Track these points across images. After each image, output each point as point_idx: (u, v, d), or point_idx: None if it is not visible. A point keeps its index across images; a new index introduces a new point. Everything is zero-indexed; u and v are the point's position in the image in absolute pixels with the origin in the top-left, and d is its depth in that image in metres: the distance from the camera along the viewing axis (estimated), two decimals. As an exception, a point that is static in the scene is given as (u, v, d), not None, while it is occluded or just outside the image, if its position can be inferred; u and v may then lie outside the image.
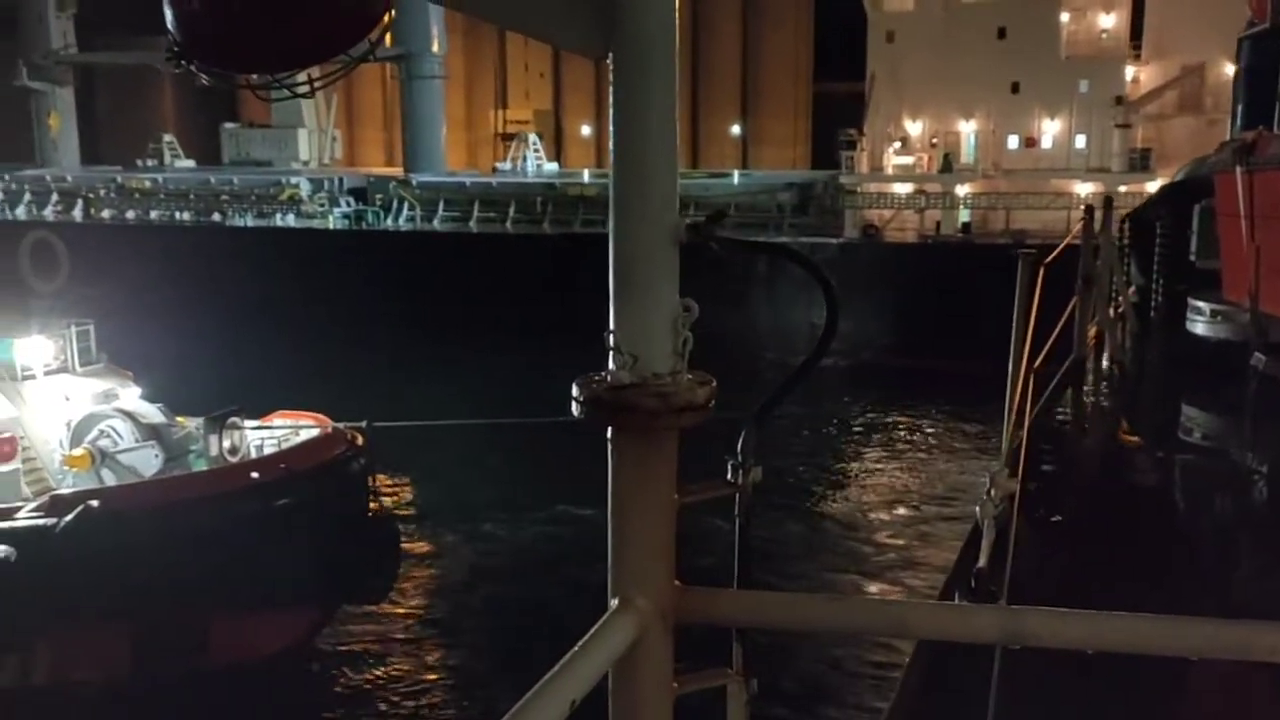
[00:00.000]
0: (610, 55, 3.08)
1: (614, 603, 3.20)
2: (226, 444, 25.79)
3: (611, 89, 3.09)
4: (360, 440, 26.05)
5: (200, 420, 26.29)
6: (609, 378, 3.16)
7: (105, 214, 67.25)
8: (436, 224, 63.68)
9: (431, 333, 53.02)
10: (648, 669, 3.25)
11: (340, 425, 26.48)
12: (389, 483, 36.93)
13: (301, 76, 3.91)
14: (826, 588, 30.15)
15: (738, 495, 3.54)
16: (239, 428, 26.17)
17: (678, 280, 3.16)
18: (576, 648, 2.95)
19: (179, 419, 27.26)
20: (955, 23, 59.41)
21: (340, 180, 67.92)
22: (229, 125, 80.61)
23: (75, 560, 22.35)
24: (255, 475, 24.50)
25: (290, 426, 26.71)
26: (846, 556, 34.38)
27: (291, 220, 65.03)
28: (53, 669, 23.94)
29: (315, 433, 26.36)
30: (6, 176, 69.57)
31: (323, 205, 65.56)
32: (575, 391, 3.17)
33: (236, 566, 23.75)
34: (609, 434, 3.21)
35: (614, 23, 3.03)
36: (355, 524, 25.47)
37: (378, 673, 27.02)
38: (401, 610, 29.93)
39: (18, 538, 22.65)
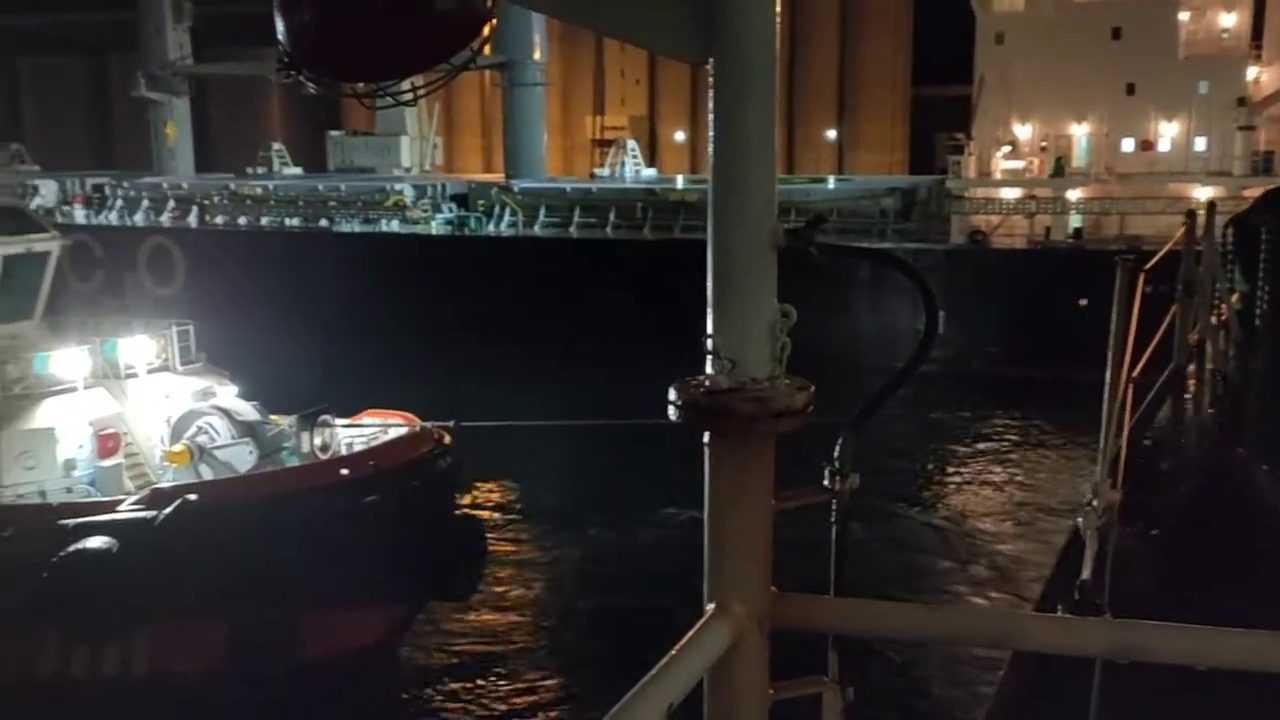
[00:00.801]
0: (711, 61, 3.12)
1: (710, 608, 3.20)
2: (318, 441, 26.36)
3: (711, 95, 3.13)
4: (448, 439, 26.43)
5: (293, 418, 26.94)
6: (707, 382, 3.19)
7: (218, 220, 69.29)
8: (537, 229, 64.28)
9: (530, 336, 53.51)
10: (744, 675, 3.25)
11: (428, 424, 26.86)
12: (477, 482, 37.37)
13: (405, 84, 3.99)
14: (923, 595, 29.73)
15: (835, 502, 3.53)
16: (330, 426, 26.74)
17: (776, 285, 3.18)
18: (673, 652, 2.96)
19: (273, 417, 27.99)
20: (1067, 23, 58.03)
21: (443, 186, 68.98)
22: (334, 133, 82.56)
23: (174, 552, 23.04)
24: (345, 472, 25.02)
25: (380, 425, 27.21)
26: (943, 564, 33.82)
27: (396, 226, 66.17)
28: (152, 660, 24.65)
29: (404, 431, 26.78)
30: (126, 184, 72.19)
31: (426, 211, 66.57)
32: (673, 396, 3.20)
33: (326, 561, 24.20)
34: (706, 439, 3.22)
35: (715, 30, 3.06)
36: (442, 522, 25.86)
37: (465, 672, 27.34)
38: (489, 610, 30.23)
39: (120, 530, 23.44)
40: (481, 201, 66.85)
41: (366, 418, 27.72)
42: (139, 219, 70.55)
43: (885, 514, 35.58)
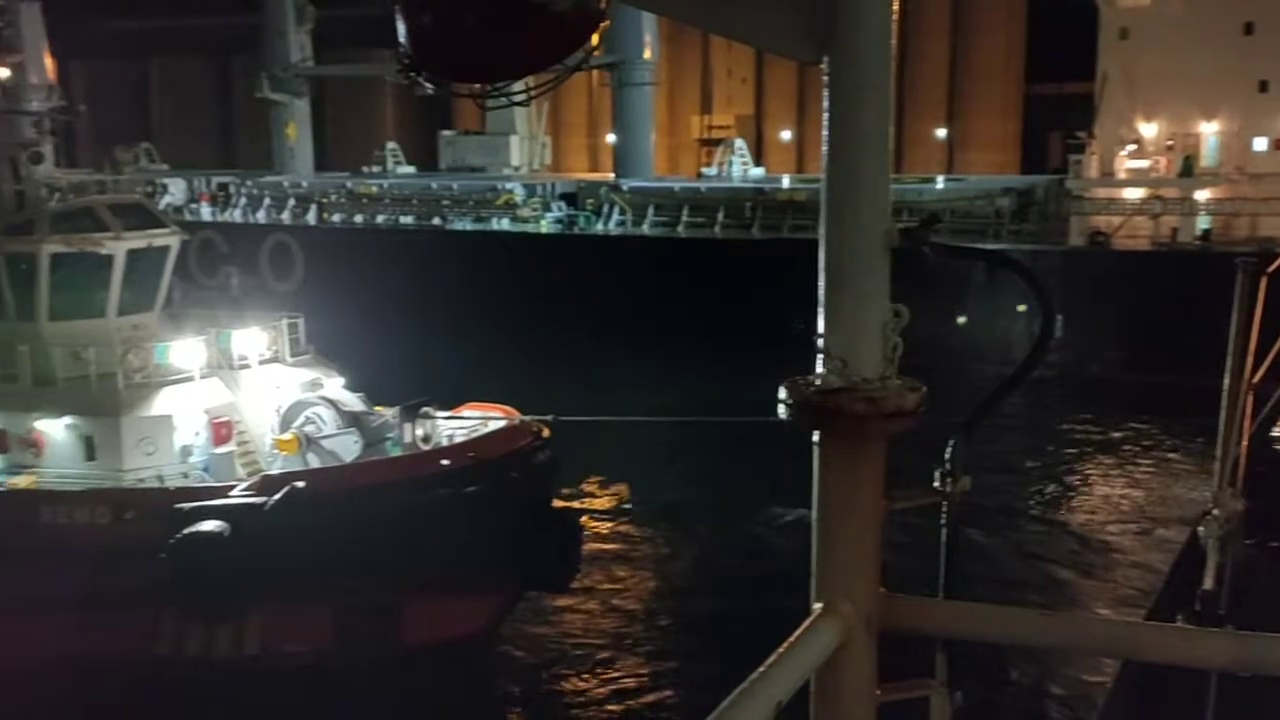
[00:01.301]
0: (825, 61, 3.14)
1: (817, 607, 3.22)
2: (420, 432, 26.98)
3: (826, 94, 3.16)
4: (547, 433, 26.71)
5: (396, 409, 27.56)
6: (817, 381, 3.22)
7: (336, 218, 70.99)
8: (646, 228, 64.40)
9: (636, 333, 53.63)
10: (851, 675, 3.26)
11: (527, 418, 27.13)
12: (576, 476, 37.60)
13: (519, 85, 4.04)
14: (1033, 601, 29.00)
15: (945, 504, 3.52)
16: (431, 417, 27.32)
17: (889, 285, 3.20)
18: (780, 650, 2.98)
19: (377, 408, 28.62)
20: (1196, 18, 55.94)
21: (553, 186, 69.69)
22: (446, 133, 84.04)
23: (282, 538, 23.79)
24: (445, 463, 25.58)
25: (480, 418, 27.68)
26: (1056, 570, 33.06)
27: (506, 224, 66.96)
28: (263, 640, 25.49)
29: (503, 424, 27.17)
30: (250, 182, 74.48)
31: (536, 210, 67.25)
32: (783, 394, 3.23)
33: (427, 550, 24.77)
34: (815, 438, 3.25)
35: (830, 29, 3.09)
36: (540, 514, 26.19)
37: (563, 664, 27.55)
38: (587, 603, 30.42)
39: (231, 514, 24.27)
40: (590, 200, 67.31)
41: (467, 410, 28.20)
42: (261, 216, 72.70)
43: (997, 518, 34.85)
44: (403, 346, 52.48)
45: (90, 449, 27.27)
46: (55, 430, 27.52)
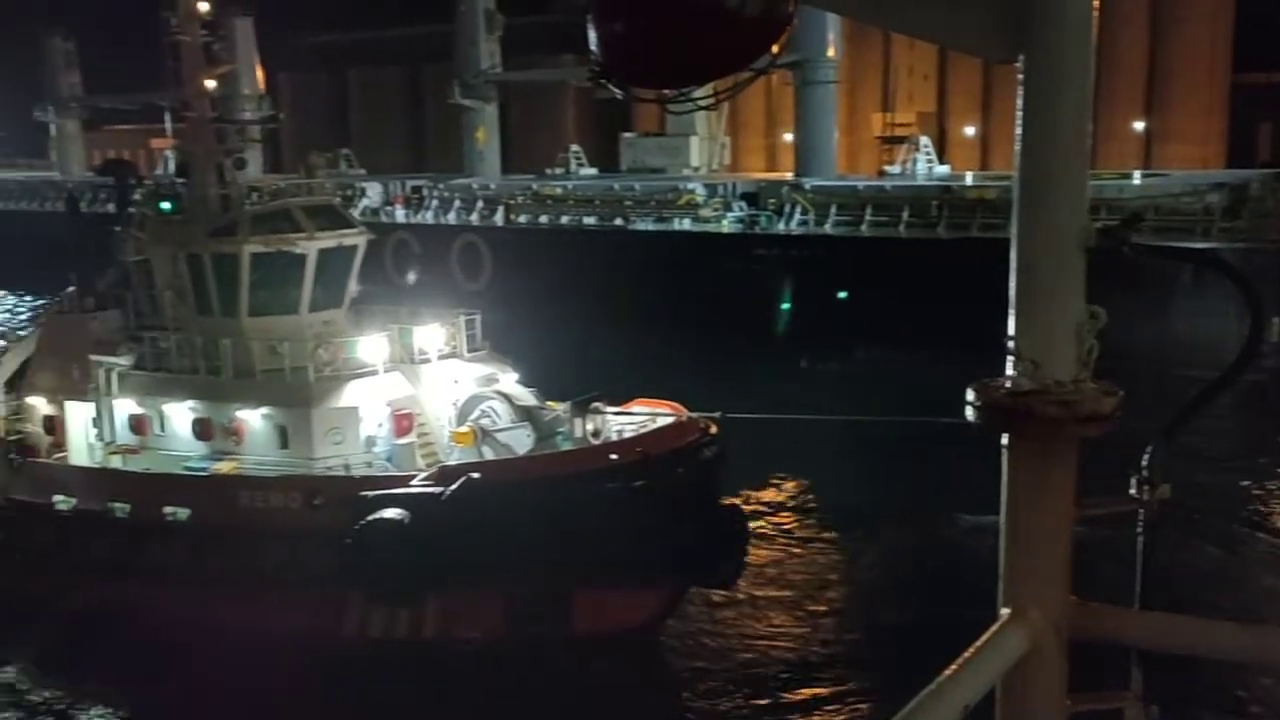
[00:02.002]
0: (1021, 58, 3.14)
1: (1005, 612, 3.21)
2: (590, 427, 27.48)
3: (1021, 91, 3.15)
4: (714, 429, 26.74)
5: (568, 405, 28.09)
6: (1008, 383, 3.19)
7: (522, 219, 72.77)
8: (828, 228, 63.59)
9: (817, 333, 53.10)
10: (1039, 683, 3.24)
11: (695, 414, 27.28)
12: (747, 473, 37.47)
13: (704, 88, 4.21)
14: (1231, 614, 27.38)
15: (1142, 512, 3.46)
16: (601, 413, 27.73)
17: (1084, 286, 3.17)
18: (967, 654, 2.99)
19: (549, 403, 29.22)
20: None
21: (734, 185, 69.57)
22: (627, 135, 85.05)
23: (458, 527, 24.58)
24: (614, 457, 25.99)
25: (648, 414, 27.93)
26: (1264, 583, 31.08)
27: (688, 224, 67.21)
28: (439, 625, 26.46)
29: (671, 420, 27.38)
30: (441, 186, 77.19)
31: (717, 210, 67.27)
32: (971, 396, 3.22)
33: (596, 542, 25.27)
34: (1005, 441, 3.24)
35: (1027, 27, 3.10)
36: (706, 509, 26.36)
37: (732, 659, 27.56)
38: (756, 599, 30.29)
39: (411, 503, 25.24)
40: (772, 200, 66.85)
41: (636, 406, 28.52)
42: (451, 218, 75.18)
43: (1198, 528, 32.99)
44: (580, 343, 53.48)
45: (284, 438, 28.83)
46: (253, 419, 29.21)
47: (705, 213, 67.18)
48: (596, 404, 27.81)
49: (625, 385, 31.35)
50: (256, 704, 25.25)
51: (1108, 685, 3.49)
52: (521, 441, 28.12)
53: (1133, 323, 42.00)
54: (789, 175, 74.49)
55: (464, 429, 28.33)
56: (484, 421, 28.35)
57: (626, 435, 27.35)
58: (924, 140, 73.32)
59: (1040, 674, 3.18)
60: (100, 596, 28.06)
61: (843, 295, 52.59)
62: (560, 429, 28.34)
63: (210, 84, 32.19)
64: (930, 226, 60.68)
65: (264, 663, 25.55)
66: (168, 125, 70.43)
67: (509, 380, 30.34)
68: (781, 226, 65.00)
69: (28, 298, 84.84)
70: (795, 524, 36.29)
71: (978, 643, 3.01)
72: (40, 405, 33.15)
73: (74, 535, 29.32)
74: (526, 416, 28.40)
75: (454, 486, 25.17)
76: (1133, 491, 3.38)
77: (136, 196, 33.50)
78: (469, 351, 30.89)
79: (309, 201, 31.86)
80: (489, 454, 27.86)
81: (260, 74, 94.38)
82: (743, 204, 67.47)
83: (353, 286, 31.95)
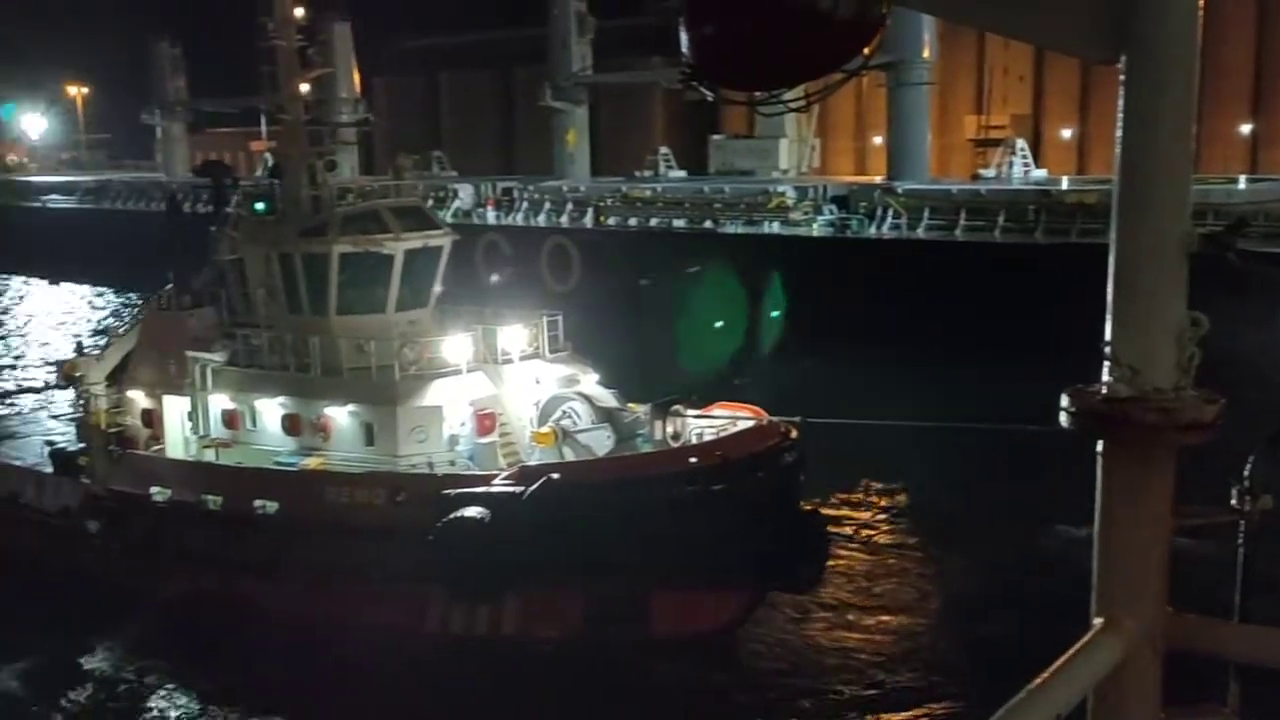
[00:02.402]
0: (1122, 59, 3.09)
1: (1098, 622, 3.17)
2: (670, 430, 27.48)
3: (1122, 92, 3.11)
4: (794, 434, 26.55)
5: (648, 407, 28.11)
6: (1104, 389, 3.16)
7: (611, 221, 73.01)
8: (921, 232, 62.64)
9: (907, 339, 52.36)
10: (1133, 694, 3.18)
11: (776, 419, 27.10)
12: (830, 479, 37.07)
13: (796, 90, 4.18)
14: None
15: (1242, 523, 3.41)
16: (681, 415, 27.69)
17: (1186, 292, 3.12)
18: (1058, 663, 2.94)
19: (630, 405, 29.24)
20: None
21: (824, 188, 68.90)
22: (716, 137, 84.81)
23: (538, 527, 24.69)
24: (694, 460, 25.90)
25: (728, 417, 27.83)
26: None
27: (777, 228, 66.73)
28: (518, 623, 26.65)
29: (751, 424, 27.25)
30: (531, 187, 77.86)
31: (807, 213, 66.67)
32: (1065, 402, 3.19)
33: (675, 545, 25.24)
34: (1100, 448, 3.21)
35: (1129, 27, 3.05)
36: (785, 514, 26.20)
37: (810, 666, 27.27)
38: (836, 606, 29.96)
39: (491, 502, 25.44)
40: (863, 203, 66.08)
41: (717, 410, 28.44)
42: (541, 220, 75.77)
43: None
44: (666, 346, 53.53)
45: (370, 435, 29.31)
46: (340, 416, 29.74)
47: (795, 216, 66.61)
48: (677, 407, 27.82)
49: (704, 387, 31.32)
50: (339, 696, 25.69)
51: (1204, 699, 3.41)
52: (602, 443, 28.23)
53: (1237, 330, 40.46)
54: (878, 178, 73.56)
55: (545, 429, 28.53)
56: (565, 422, 28.52)
57: (706, 438, 27.29)
58: (1020, 143, 71.85)
59: (1134, 685, 3.12)
60: (193, 586, 28.85)
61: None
62: (640, 431, 28.40)
63: (304, 88, 32.90)
64: (1027, 232, 59.36)
65: (347, 655, 26.07)
66: (262, 128, 72.36)
67: (590, 381, 30.48)
68: (873, 230, 64.19)
69: (131, 295, 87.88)
70: (878, 531, 35.83)
71: (1069, 652, 2.96)
72: (139, 399, 34.20)
73: (169, 526, 30.17)
74: (607, 418, 28.50)
75: (534, 486, 25.33)
76: (1234, 502, 3.33)
77: (234, 197, 34.36)
78: (551, 352, 31.12)
79: (397, 203, 32.38)
80: (569, 455, 28.03)
81: (357, 78, 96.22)
82: (833, 207, 66.79)
83: (437, 286, 32.37)
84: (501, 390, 30.08)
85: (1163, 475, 3.09)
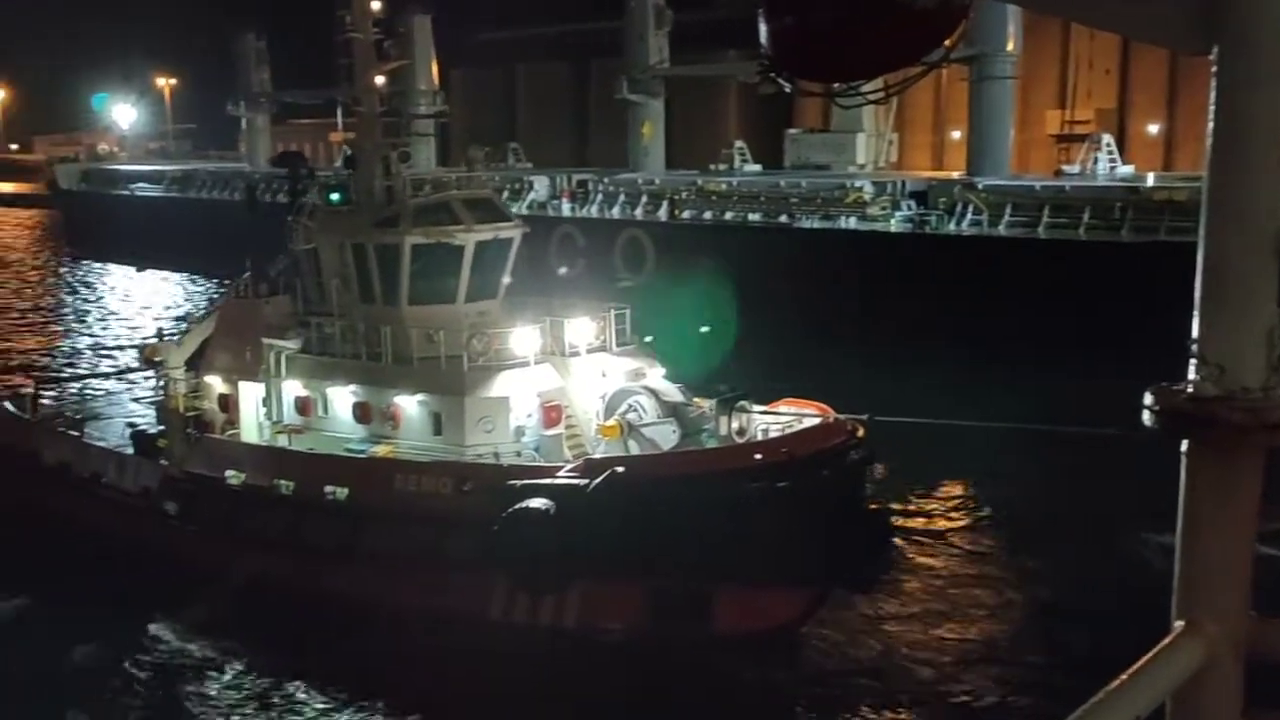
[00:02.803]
0: (1214, 51, 3.05)
1: (1179, 625, 3.15)
2: (735, 425, 27.39)
3: (1213, 85, 3.08)
4: (861, 432, 26.29)
5: (714, 402, 27.97)
6: (1190, 388, 3.13)
7: (685, 214, 72.84)
8: (1002, 229, 61.49)
9: (985, 339, 51.53)
10: (1214, 700, 3.16)
11: (842, 416, 26.85)
12: (891, 476, 36.53)
13: (876, 82, 4.13)
14: None
15: None
16: (747, 411, 27.55)
17: (1276, 290, 3.11)
18: (1137, 666, 2.92)
19: (695, 399, 29.15)
20: None
21: (902, 184, 68.00)
22: (792, 131, 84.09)
23: (602, 519, 24.77)
24: (759, 457, 25.78)
25: (794, 414, 27.66)
26: None
27: (854, 223, 66.05)
28: (582, 614, 26.75)
29: (818, 421, 27.05)
30: (606, 180, 77.99)
31: (885, 208, 65.85)
32: (1149, 400, 3.17)
33: (739, 541, 25.20)
34: (1184, 448, 3.18)
35: (1220, 16, 3.01)
36: (850, 512, 25.95)
37: (875, 665, 27.02)
38: (899, 604, 29.64)
39: (556, 494, 25.55)
40: (943, 199, 65.02)
41: (783, 406, 28.28)
42: (615, 212, 75.82)
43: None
44: (739, 340, 53.27)
45: (438, 424, 29.63)
46: (409, 405, 30.11)
47: (873, 211, 65.83)
48: (743, 402, 27.70)
49: (778, 385, 31.11)
50: (402, 679, 26.06)
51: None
52: (667, 437, 28.22)
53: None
54: (956, 174, 72.41)
55: (610, 423, 28.61)
56: (630, 416, 28.58)
57: (772, 435, 27.17)
58: (1106, 138, 70.14)
59: (1215, 690, 3.07)
60: (264, 569, 29.38)
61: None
62: (706, 426, 28.35)
63: (379, 80, 33.30)
64: (1113, 229, 58.00)
65: (411, 640, 26.41)
66: (339, 120, 73.37)
67: (656, 375, 30.47)
68: (952, 227, 63.15)
69: (213, 282, 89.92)
70: (949, 531, 35.35)
71: (1149, 655, 2.92)
72: (216, 384, 34.95)
73: (242, 509, 30.75)
74: (673, 412, 28.48)
75: (599, 479, 25.40)
76: None
77: (310, 187, 34.90)
78: (618, 345, 31.21)
79: (468, 194, 32.68)
80: (634, 448, 28.06)
81: (435, 70, 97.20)
82: (911, 203, 65.89)
83: (507, 278, 32.59)
84: (568, 383, 30.21)
85: (1250, 476, 3.05)
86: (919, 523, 35.75)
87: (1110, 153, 68.81)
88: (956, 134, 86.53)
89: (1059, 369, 45.73)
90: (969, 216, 62.68)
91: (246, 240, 36.55)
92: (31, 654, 28.06)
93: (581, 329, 30.97)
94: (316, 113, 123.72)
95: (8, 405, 40.66)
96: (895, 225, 64.62)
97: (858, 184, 68.27)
